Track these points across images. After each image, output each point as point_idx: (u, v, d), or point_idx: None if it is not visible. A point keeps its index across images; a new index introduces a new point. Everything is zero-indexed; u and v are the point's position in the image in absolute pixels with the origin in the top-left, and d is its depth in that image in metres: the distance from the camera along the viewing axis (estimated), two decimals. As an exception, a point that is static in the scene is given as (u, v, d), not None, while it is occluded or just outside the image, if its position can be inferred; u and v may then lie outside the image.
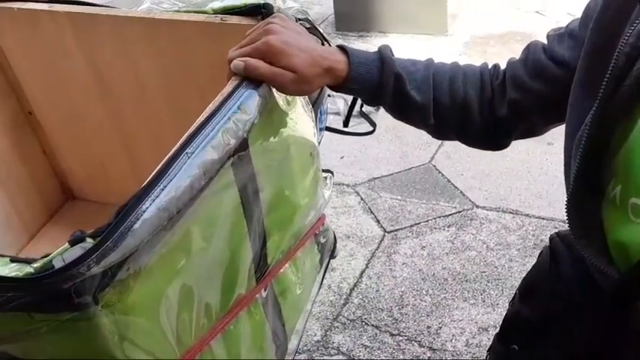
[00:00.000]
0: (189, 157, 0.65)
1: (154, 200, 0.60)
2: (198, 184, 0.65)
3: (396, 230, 2.38)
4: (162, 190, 0.61)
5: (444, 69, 0.83)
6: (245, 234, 0.79)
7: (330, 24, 4.00)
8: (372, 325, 2.05)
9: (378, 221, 2.43)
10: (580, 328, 0.73)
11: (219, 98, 0.73)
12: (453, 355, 1.96)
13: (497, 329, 0.91)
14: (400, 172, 2.68)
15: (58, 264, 0.54)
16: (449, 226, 2.39)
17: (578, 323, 0.74)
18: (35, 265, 0.55)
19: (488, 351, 0.95)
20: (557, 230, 0.84)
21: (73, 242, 0.56)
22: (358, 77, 0.79)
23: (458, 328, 2.04)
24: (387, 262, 2.25)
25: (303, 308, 1.03)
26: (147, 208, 0.59)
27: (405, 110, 0.83)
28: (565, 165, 0.69)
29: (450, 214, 2.45)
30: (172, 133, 1.09)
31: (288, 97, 0.82)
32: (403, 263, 2.25)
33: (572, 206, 0.65)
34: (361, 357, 1.95)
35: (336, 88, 0.81)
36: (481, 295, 2.14)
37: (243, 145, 0.74)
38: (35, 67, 1.12)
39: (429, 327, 2.05)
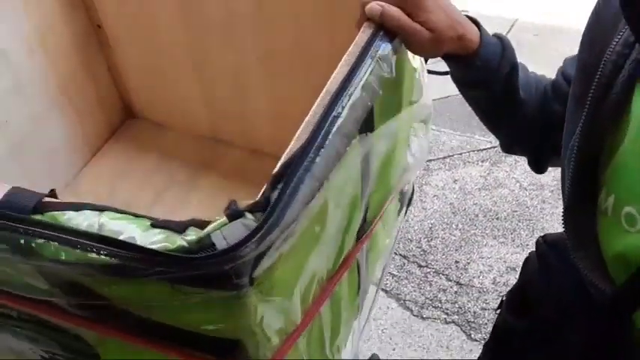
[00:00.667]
0: (336, 119, 0.58)
1: (308, 169, 0.54)
2: (343, 149, 0.59)
3: (428, 161, 2.34)
4: (315, 157, 0.55)
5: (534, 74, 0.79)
6: (359, 198, 0.75)
7: None
8: (401, 255, 2.05)
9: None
10: (574, 338, 0.72)
11: (354, 49, 0.66)
12: (479, 292, 1.98)
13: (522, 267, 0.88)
14: (436, 99, 2.60)
15: (218, 242, 0.49)
16: (482, 161, 2.35)
17: (572, 333, 0.72)
18: (189, 238, 0.50)
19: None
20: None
21: (231, 217, 0.50)
22: (485, 55, 0.72)
23: (486, 265, 2.05)
24: (417, 192, 2.22)
25: (384, 257, 1.00)
26: (303, 177, 0.54)
27: (501, 103, 0.77)
28: (561, 178, 0.67)
29: (485, 149, 2.40)
30: (255, 66, 1.03)
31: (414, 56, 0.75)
32: (434, 195, 2.22)
33: (568, 218, 0.65)
34: (388, 285, 1.96)
35: (453, 59, 0.73)
36: (511, 234, 2.13)
37: (370, 112, 0.68)
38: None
39: (457, 261, 2.05)
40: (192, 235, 0.51)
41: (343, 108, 0.60)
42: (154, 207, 1.11)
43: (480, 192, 2.25)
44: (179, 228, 0.52)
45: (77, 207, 0.55)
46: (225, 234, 0.49)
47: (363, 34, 0.67)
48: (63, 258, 0.53)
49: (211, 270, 0.48)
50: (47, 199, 0.56)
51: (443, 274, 2.02)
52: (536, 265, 0.81)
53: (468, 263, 2.05)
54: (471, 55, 0.72)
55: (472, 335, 1.89)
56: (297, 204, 0.53)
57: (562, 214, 0.65)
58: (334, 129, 0.58)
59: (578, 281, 0.66)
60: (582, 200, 0.63)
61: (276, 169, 0.54)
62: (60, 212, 0.55)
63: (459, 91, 0.80)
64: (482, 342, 1.84)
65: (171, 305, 0.56)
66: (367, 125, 0.69)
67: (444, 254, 2.06)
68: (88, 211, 0.55)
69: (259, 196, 0.53)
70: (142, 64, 1.15)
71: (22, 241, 0.54)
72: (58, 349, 0.76)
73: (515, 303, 0.86)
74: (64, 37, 1.05)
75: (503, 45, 0.74)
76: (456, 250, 2.08)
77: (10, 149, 1.00)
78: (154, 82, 1.17)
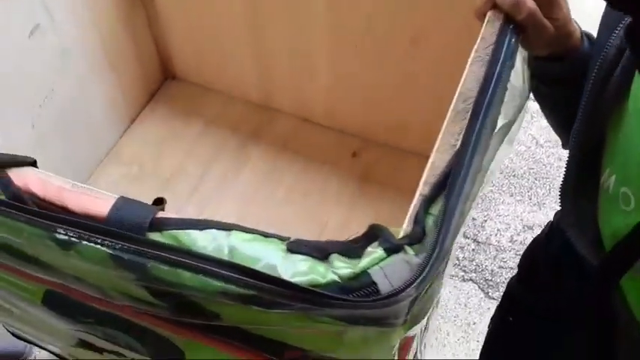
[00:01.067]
0: (481, 132, 0.53)
1: (460, 192, 0.49)
2: (483, 164, 0.54)
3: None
4: (465, 176, 0.50)
5: None
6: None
7: None
8: (417, 212, 2.02)
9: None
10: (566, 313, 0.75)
11: (483, 44, 0.60)
12: (497, 250, 1.97)
13: (542, 230, 0.90)
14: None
15: (380, 281, 0.44)
16: (500, 116, 2.31)
17: (566, 304, 0.75)
18: (341, 272, 0.45)
19: (490, 320, 0.97)
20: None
21: (390, 251, 0.45)
22: (583, 52, 0.68)
23: (503, 223, 2.04)
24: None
25: None
26: (457, 201, 0.48)
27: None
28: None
29: (502, 103, 2.35)
30: (320, 38, 0.95)
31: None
32: (451, 150, 2.18)
33: (566, 197, 0.67)
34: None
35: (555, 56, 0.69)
36: (528, 192, 2.11)
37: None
38: None
39: (474, 219, 2.04)
40: (344, 268, 0.45)
41: (487, 118, 0.54)
42: (203, 178, 1.05)
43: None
44: (321, 254, 0.47)
45: (202, 225, 0.49)
46: (387, 272, 0.44)
47: (490, 27, 0.60)
48: (185, 283, 0.48)
49: (371, 314, 0.44)
50: (161, 214, 0.50)
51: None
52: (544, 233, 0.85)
53: (485, 221, 2.03)
54: (574, 50, 0.68)
55: (490, 293, 1.89)
56: (453, 231, 0.48)
57: (559, 192, 0.67)
58: (480, 143, 0.52)
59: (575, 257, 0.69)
60: (582, 180, 0.65)
61: (426, 191, 0.49)
62: (182, 231, 0.49)
63: (540, 92, 0.77)
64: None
65: (300, 331, 0.52)
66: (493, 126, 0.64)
67: (460, 210, 2.04)
68: (215, 230, 0.49)
69: (408, 222, 0.48)
70: (189, 21, 1.06)
71: (135, 261, 0.49)
72: (135, 345, 0.72)
73: (525, 272, 0.89)
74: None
75: (590, 40, 0.70)
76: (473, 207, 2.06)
77: (57, 116, 0.93)
78: (202, 42, 1.09)
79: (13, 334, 0.99)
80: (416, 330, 0.58)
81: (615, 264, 0.62)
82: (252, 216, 0.99)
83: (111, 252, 0.48)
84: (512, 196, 2.08)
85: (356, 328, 0.48)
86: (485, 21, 0.61)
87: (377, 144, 1.08)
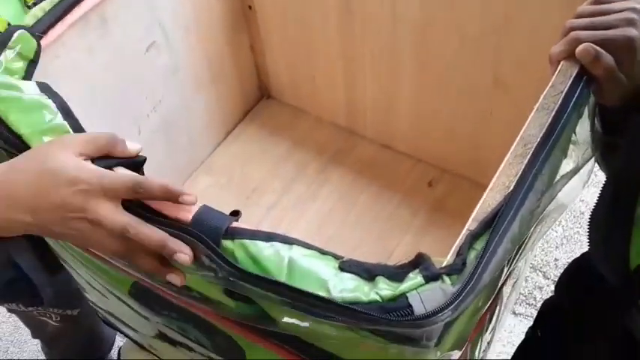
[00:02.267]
0: (536, 177, 0.56)
1: (506, 231, 0.53)
2: (535, 209, 0.58)
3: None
4: (514, 217, 0.54)
5: None
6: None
7: None
8: (498, 247, 2.01)
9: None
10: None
11: (552, 91, 0.63)
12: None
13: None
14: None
15: (416, 305, 0.49)
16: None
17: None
18: (383, 293, 0.50)
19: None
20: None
21: (429, 278, 0.50)
22: None
23: (586, 266, 1.99)
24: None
25: None
26: (501, 240, 0.52)
27: None
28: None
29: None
30: (408, 67, 1.01)
31: None
32: (540, 188, 2.16)
33: (594, 226, 0.68)
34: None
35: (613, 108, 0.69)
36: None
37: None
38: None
39: (556, 259, 2.00)
40: (386, 289, 0.51)
41: (544, 164, 0.57)
42: (283, 195, 1.12)
43: (587, 188, 2.17)
44: (368, 275, 0.53)
45: (268, 237, 0.56)
46: (423, 297, 0.49)
47: (561, 76, 0.63)
48: (257, 292, 0.54)
49: (404, 333, 0.48)
50: (236, 224, 0.57)
51: (540, 271, 1.98)
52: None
53: (568, 262, 1.99)
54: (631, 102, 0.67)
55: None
56: (490, 270, 0.52)
57: (588, 222, 0.68)
58: (534, 188, 0.56)
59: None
60: (615, 212, 0.65)
61: (473, 227, 0.53)
62: (250, 241, 0.55)
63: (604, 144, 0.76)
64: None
65: (346, 344, 0.57)
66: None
67: (543, 250, 2.01)
68: (279, 243, 0.55)
69: (452, 254, 0.52)
70: (287, 46, 1.14)
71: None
72: (204, 341, 0.79)
73: (566, 282, 0.91)
74: (216, 17, 1.06)
75: None
76: (557, 247, 2.03)
77: (161, 125, 1.03)
78: (297, 67, 1.17)
79: (103, 320, 1.10)
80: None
81: (635, 284, 0.62)
82: (323, 235, 1.05)
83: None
84: (599, 240, 2.03)
85: (394, 345, 0.52)
86: (558, 69, 0.64)
87: (453, 176, 1.12)
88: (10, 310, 1.13)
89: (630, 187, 0.64)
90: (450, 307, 0.48)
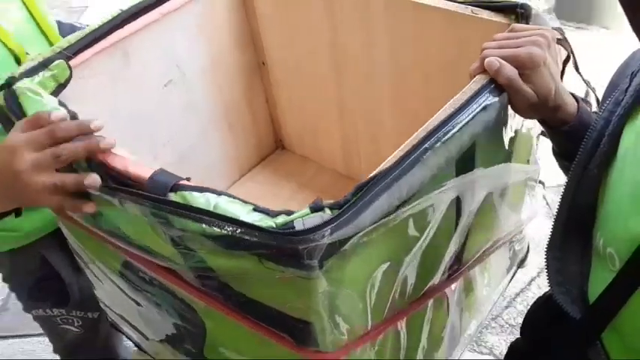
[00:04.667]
0: (426, 152, 0.67)
1: (387, 188, 0.63)
2: (427, 180, 0.68)
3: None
4: (396, 180, 0.64)
5: None
6: (452, 232, 0.81)
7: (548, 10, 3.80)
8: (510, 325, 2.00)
9: (558, 230, 2.33)
10: None
11: (462, 96, 0.74)
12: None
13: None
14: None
15: (298, 226, 0.59)
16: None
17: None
18: (277, 220, 0.61)
19: None
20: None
21: (313, 209, 0.61)
22: (574, 131, 0.77)
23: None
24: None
25: (482, 310, 1.03)
26: (380, 194, 0.63)
27: None
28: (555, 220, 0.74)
29: None
30: (389, 113, 1.14)
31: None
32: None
33: (552, 255, 0.72)
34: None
35: (547, 126, 0.81)
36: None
37: (471, 152, 0.76)
38: (276, 22, 1.20)
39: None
40: (281, 219, 0.62)
41: (437, 142, 0.68)
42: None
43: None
44: (273, 214, 0.64)
45: (202, 189, 0.68)
46: (305, 222, 0.60)
47: (474, 84, 0.75)
48: (188, 228, 0.66)
49: (287, 246, 0.59)
50: (182, 181, 0.70)
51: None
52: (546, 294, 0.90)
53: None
54: (562, 126, 0.78)
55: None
56: (370, 212, 0.62)
57: (545, 251, 0.72)
58: (423, 159, 0.66)
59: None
60: (569, 241, 0.71)
61: (364, 180, 0.64)
62: (188, 192, 0.68)
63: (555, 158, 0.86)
64: None
65: (259, 280, 0.67)
66: (466, 168, 0.76)
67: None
68: (210, 193, 0.68)
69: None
70: (293, 101, 1.31)
71: (160, 213, 0.69)
72: (175, 316, 0.90)
73: (525, 328, 0.95)
74: (232, 67, 1.23)
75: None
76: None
77: (176, 160, 1.19)
78: (303, 119, 1.33)
79: (112, 325, 1.22)
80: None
81: (596, 319, 0.66)
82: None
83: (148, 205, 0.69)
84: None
85: (283, 269, 0.62)
86: (473, 80, 0.76)
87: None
88: (36, 318, 1.28)
89: (582, 213, 0.70)
90: (326, 228, 0.59)
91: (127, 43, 1.01)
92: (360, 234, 0.62)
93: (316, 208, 0.61)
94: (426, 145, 0.68)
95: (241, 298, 0.73)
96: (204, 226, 0.65)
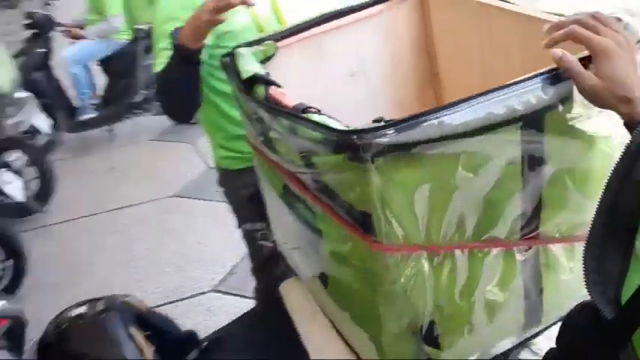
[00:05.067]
0: (482, 102, 0.88)
1: (439, 117, 0.86)
2: (480, 123, 0.88)
3: None
4: (455, 113, 0.87)
5: None
6: (518, 190, 0.97)
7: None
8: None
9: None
10: None
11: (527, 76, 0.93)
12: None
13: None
14: None
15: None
16: None
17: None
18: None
19: None
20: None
21: (375, 120, 0.87)
22: None
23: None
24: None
25: (571, 295, 1.05)
26: (434, 120, 0.86)
27: None
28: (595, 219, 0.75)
29: None
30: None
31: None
32: None
33: (590, 254, 0.73)
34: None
35: (628, 126, 0.85)
36: None
37: (536, 122, 0.92)
38: (450, 37, 1.44)
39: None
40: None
41: (497, 94, 0.89)
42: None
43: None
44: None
45: (319, 112, 0.98)
46: (366, 127, 0.86)
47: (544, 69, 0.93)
48: (307, 135, 0.96)
49: (351, 141, 0.86)
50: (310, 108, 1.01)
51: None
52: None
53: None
54: (632, 121, 0.83)
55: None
56: (418, 133, 0.85)
57: (583, 251, 0.75)
58: (481, 102, 0.88)
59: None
60: (608, 242, 0.73)
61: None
62: (312, 114, 0.99)
63: None
64: None
65: (340, 174, 0.94)
66: (533, 124, 0.92)
67: None
68: (322, 115, 0.97)
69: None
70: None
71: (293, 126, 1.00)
72: (307, 227, 1.17)
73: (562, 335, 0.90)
74: (408, 72, 1.49)
75: None
76: None
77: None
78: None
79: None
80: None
81: (627, 320, 0.69)
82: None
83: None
84: None
85: (345, 159, 0.88)
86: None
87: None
88: (244, 234, 1.75)
89: (625, 216, 0.71)
90: (384, 130, 0.84)
91: (322, 38, 1.37)
92: (406, 148, 0.86)
93: (377, 120, 0.87)
94: (487, 96, 0.89)
95: (332, 193, 0.99)
96: (314, 132, 0.94)
